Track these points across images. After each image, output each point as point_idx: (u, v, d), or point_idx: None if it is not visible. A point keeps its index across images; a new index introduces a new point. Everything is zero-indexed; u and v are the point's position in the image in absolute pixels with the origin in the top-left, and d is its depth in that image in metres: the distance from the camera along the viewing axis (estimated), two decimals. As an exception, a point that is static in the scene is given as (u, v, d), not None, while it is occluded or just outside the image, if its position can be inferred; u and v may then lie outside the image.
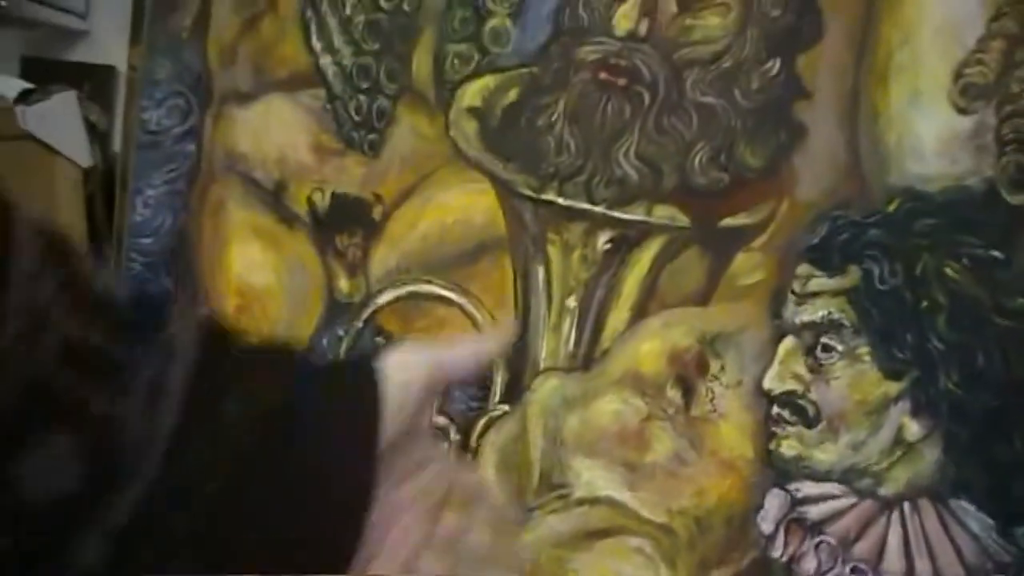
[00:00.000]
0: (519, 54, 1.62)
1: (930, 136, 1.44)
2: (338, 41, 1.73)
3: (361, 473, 0.87)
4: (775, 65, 1.51)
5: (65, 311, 0.74)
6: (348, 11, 1.73)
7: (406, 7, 1.69)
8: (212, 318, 0.94)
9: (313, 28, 1.73)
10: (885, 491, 1.43)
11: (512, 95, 1.62)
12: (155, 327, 0.81)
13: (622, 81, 1.55)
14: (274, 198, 1.75)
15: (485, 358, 1.01)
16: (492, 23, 1.66)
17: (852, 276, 1.42)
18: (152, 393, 0.78)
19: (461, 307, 1.63)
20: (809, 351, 1.45)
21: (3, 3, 3.39)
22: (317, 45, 1.73)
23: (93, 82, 3.29)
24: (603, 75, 1.55)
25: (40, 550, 0.76)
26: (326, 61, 1.73)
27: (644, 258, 1.56)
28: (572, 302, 1.58)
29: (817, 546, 1.47)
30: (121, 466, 0.77)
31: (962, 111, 1.44)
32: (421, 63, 1.68)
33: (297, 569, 0.92)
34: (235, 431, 0.81)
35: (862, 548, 1.46)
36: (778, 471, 1.46)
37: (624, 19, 1.57)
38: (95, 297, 0.77)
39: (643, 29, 1.55)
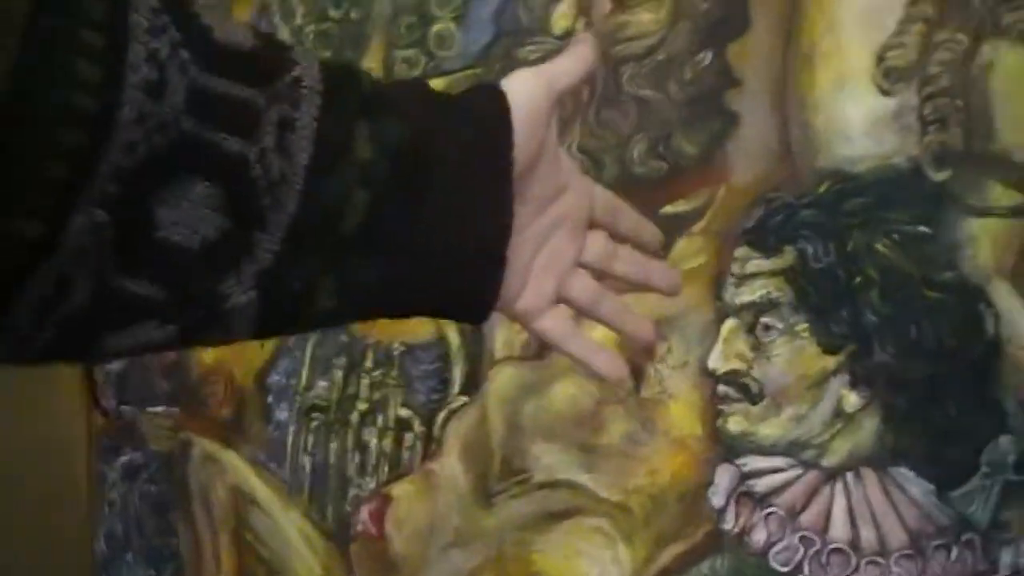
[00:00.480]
0: (464, 57, 1.65)
1: (856, 118, 1.46)
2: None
3: (498, 202, 0.84)
4: (706, 56, 1.53)
5: (188, 59, 0.71)
6: (299, 20, 1.76)
7: (354, 15, 1.72)
8: (335, 60, 0.91)
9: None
10: (828, 462, 1.45)
11: None
12: (280, 68, 0.77)
13: None
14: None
15: (590, 63, 0.98)
16: (437, 27, 1.68)
17: (788, 256, 1.45)
18: (282, 133, 0.75)
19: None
20: (750, 330, 1.47)
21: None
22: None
23: None
24: None
25: (194, 295, 0.75)
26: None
27: (590, 248, 1.60)
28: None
29: (766, 517, 1.49)
30: (259, 207, 0.75)
31: (886, 93, 1.46)
32: (371, 70, 1.72)
33: (437, 314, 0.90)
34: (369, 166, 0.79)
35: (809, 518, 1.48)
36: (726, 447, 1.48)
37: (562, 18, 1.59)
38: (216, 43, 0.74)
39: (580, 27, 1.59)
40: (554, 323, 0.95)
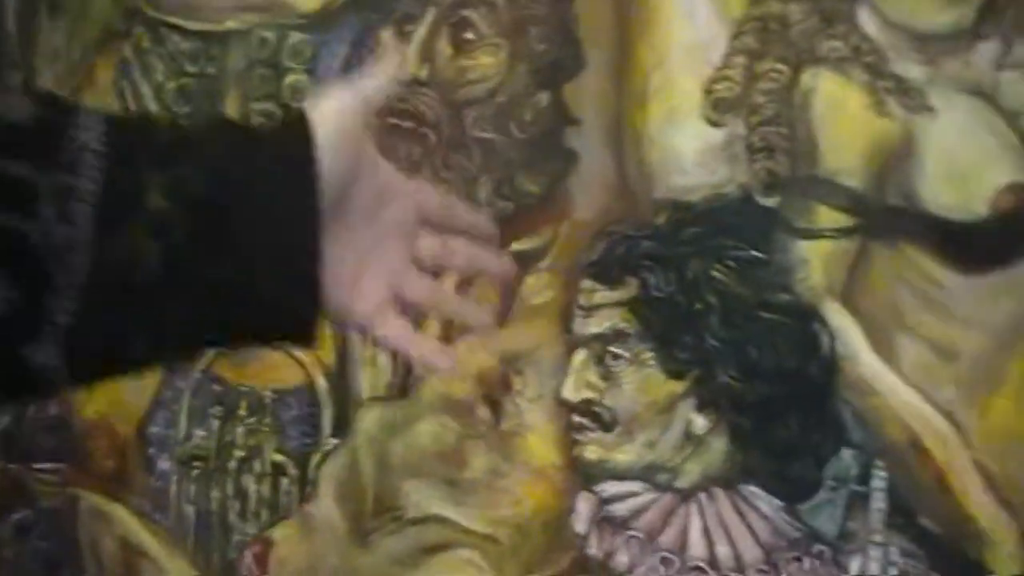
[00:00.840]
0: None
1: (688, 150, 1.49)
2: (152, 107, 1.77)
3: (305, 230, 0.83)
4: (544, 97, 1.56)
5: None
6: (159, 77, 1.77)
7: (210, 70, 1.73)
8: (122, 114, 0.91)
9: (128, 96, 1.76)
10: (681, 484, 1.47)
11: None
12: (59, 137, 0.77)
13: (409, 124, 1.59)
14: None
15: (398, 71, 1.00)
16: (289, 79, 1.69)
17: (631, 287, 1.46)
18: (63, 201, 0.75)
19: (287, 351, 1.67)
20: (599, 360, 1.48)
21: None
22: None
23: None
24: (392, 120, 1.61)
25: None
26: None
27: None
28: (385, 334, 1.64)
29: (628, 541, 1.50)
30: (46, 275, 0.75)
31: (714, 124, 1.48)
32: (229, 122, 1.73)
33: (261, 340, 0.89)
34: (162, 217, 0.78)
35: (667, 539, 1.50)
36: (584, 475, 1.50)
37: (407, 63, 1.62)
38: None
39: (424, 73, 1.61)
40: (391, 329, 0.97)
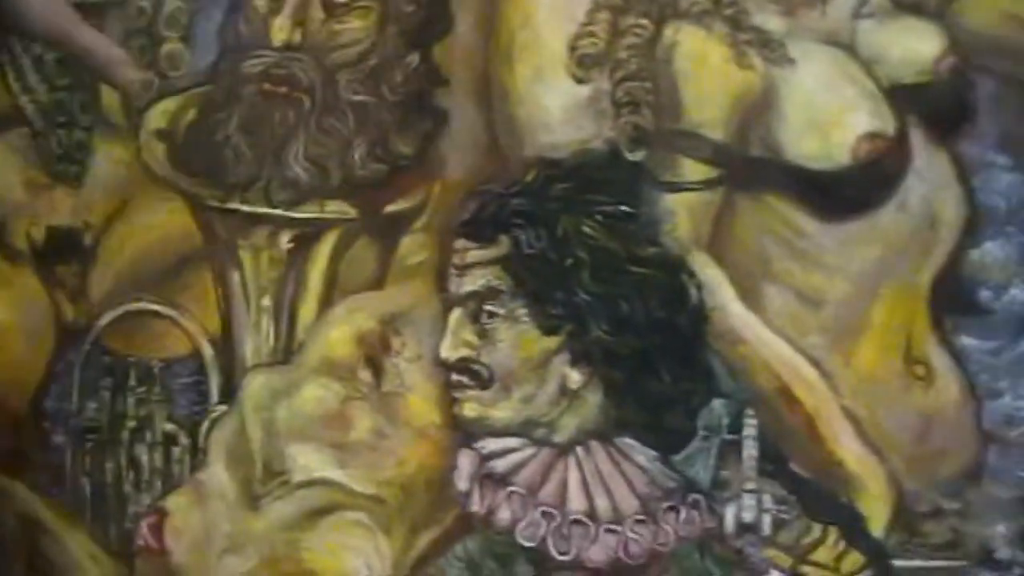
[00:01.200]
0: (193, 74, 1.61)
1: (556, 107, 1.46)
2: (32, 80, 1.73)
3: None
4: (415, 58, 1.54)
5: None
6: (39, 49, 1.74)
7: (89, 41, 1.72)
8: None
9: (9, 70, 1.74)
10: (559, 438, 1.45)
11: (191, 114, 1.60)
12: None
13: (283, 89, 1.55)
14: (-5, 237, 1.77)
15: None
16: (167, 48, 1.66)
17: (503, 245, 1.42)
18: None
19: (173, 319, 1.66)
20: (475, 318, 1.45)
21: None
22: (15, 86, 1.74)
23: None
24: (267, 86, 1.55)
25: None
26: (24, 100, 1.74)
27: (323, 252, 1.56)
28: (267, 301, 1.58)
29: (509, 496, 1.49)
30: None
31: (580, 81, 1.46)
32: (109, 93, 1.69)
33: None
34: None
35: (547, 493, 1.48)
36: (464, 433, 1.47)
37: (279, 30, 1.57)
38: None
39: (297, 37, 1.57)
40: None
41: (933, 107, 1.42)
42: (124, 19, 1.64)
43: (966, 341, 1.44)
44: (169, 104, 1.62)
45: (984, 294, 1.45)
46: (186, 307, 1.62)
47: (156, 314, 1.64)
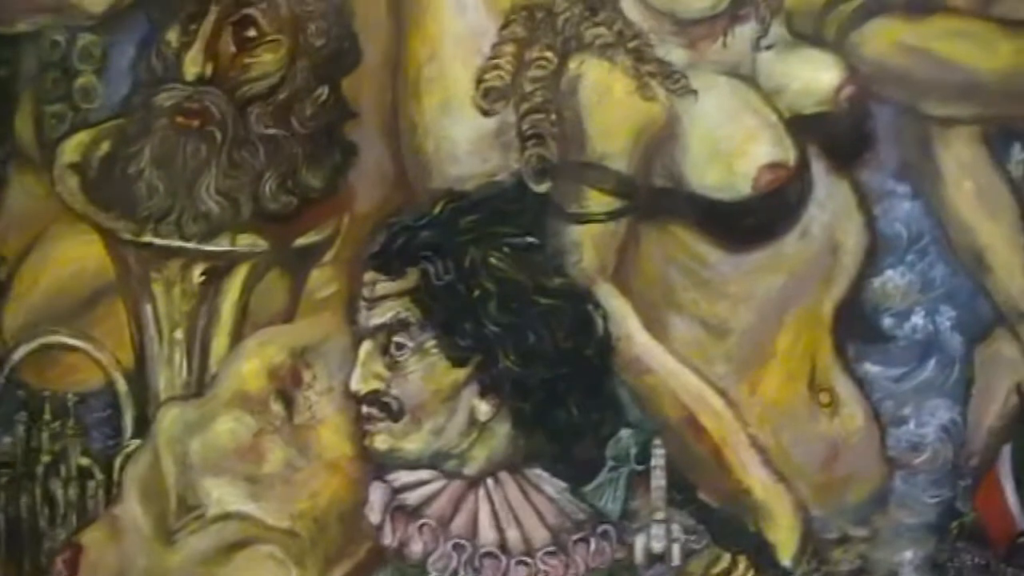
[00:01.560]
0: (107, 108, 1.58)
1: (462, 140, 1.45)
2: (-54, 112, 1.73)
3: None
4: (324, 91, 1.51)
5: None
6: (-46, 82, 1.73)
7: (2, 72, 1.70)
8: None
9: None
10: (469, 470, 1.43)
11: (105, 147, 1.57)
12: None
13: (195, 123, 1.53)
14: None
15: None
16: (80, 81, 1.64)
17: (412, 277, 1.40)
18: None
19: (87, 352, 1.64)
20: (385, 351, 1.43)
21: None
22: (-74, 119, 1.74)
23: None
24: (179, 119, 1.53)
25: None
26: (-66, 133, 1.73)
27: (234, 285, 1.53)
28: (179, 334, 1.56)
29: (420, 529, 1.48)
30: None
31: (486, 113, 1.44)
32: (23, 126, 1.67)
33: None
34: None
35: (459, 525, 1.46)
36: (376, 465, 1.45)
37: (191, 64, 1.54)
38: None
39: (209, 71, 1.55)
40: None
41: (833, 136, 1.42)
42: (38, 52, 1.62)
43: (870, 368, 1.44)
44: (83, 137, 1.59)
45: (887, 321, 1.46)
46: (100, 340, 1.59)
47: (70, 347, 1.60)
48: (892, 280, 1.43)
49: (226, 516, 1.55)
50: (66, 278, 1.62)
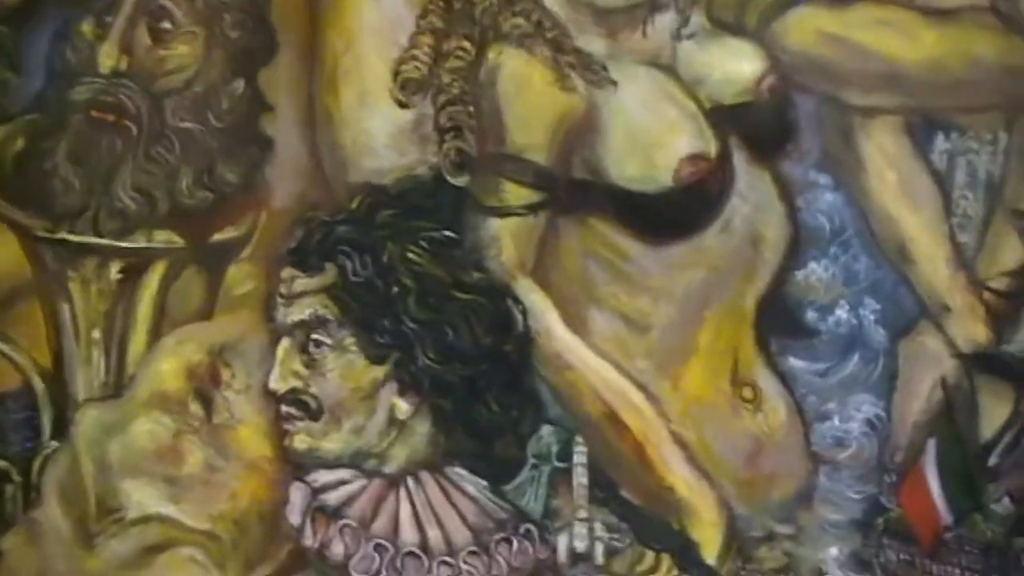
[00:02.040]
0: (22, 101, 1.53)
1: (380, 132, 1.40)
2: None
3: None
4: (240, 84, 1.45)
5: None
6: None
7: (-87, 66, 1.65)
8: None
9: None
10: (389, 469, 1.38)
11: (19, 142, 1.51)
12: None
13: (111, 117, 1.48)
14: None
15: None
16: (-6, 75, 1.63)
17: (330, 273, 1.35)
18: None
19: (3, 353, 1.57)
20: (303, 349, 1.37)
21: None
22: None
23: None
24: (94, 113, 1.48)
25: None
26: None
27: (151, 282, 1.47)
28: (97, 334, 1.50)
29: (341, 530, 1.43)
30: None
31: (403, 105, 1.39)
32: (-62, 124, 1.65)
33: None
34: None
35: (380, 526, 1.41)
36: (295, 465, 1.40)
37: (107, 57, 1.49)
38: None
39: (124, 64, 1.50)
40: None
41: (755, 127, 1.37)
42: (-49, 46, 1.59)
43: (793, 363, 1.40)
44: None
45: (810, 315, 1.42)
46: (17, 340, 1.54)
47: (-13, 350, 1.59)
48: (815, 273, 1.39)
49: (146, 519, 1.50)
50: (-18, 277, 1.59)
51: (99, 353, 1.51)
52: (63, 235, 1.50)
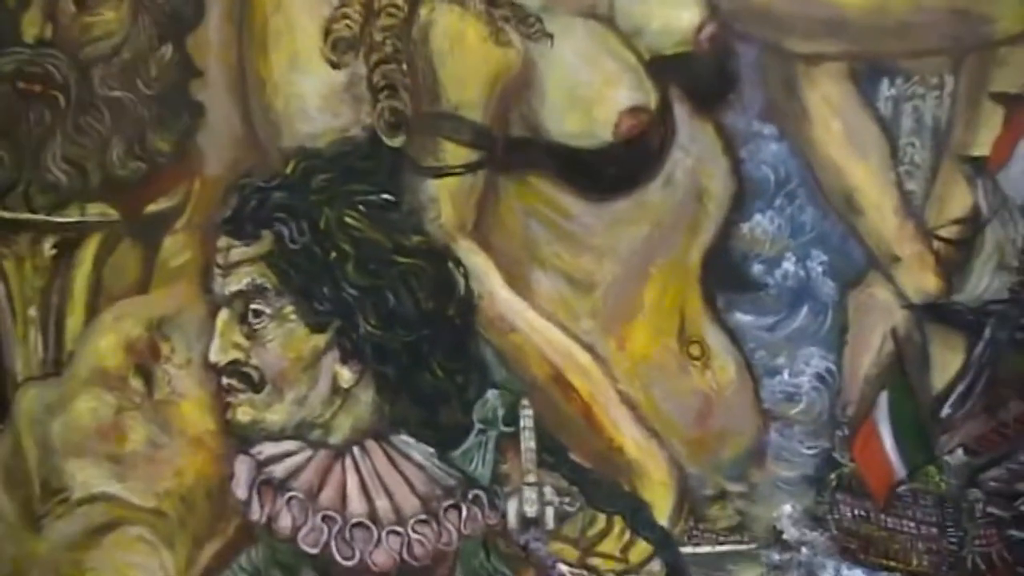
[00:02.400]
0: None
1: (312, 94, 1.35)
2: None
3: None
4: (168, 50, 1.40)
5: None
6: None
7: None
8: None
9: None
10: (334, 439, 1.34)
11: None
12: None
13: (38, 88, 1.43)
14: None
15: None
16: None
17: (266, 241, 1.30)
18: None
19: (-59, 334, 1.56)
20: (243, 319, 1.32)
21: None
22: None
23: None
24: (21, 84, 1.44)
25: None
26: None
27: (86, 257, 1.42)
28: (33, 311, 1.45)
29: (288, 502, 1.38)
30: None
31: (336, 66, 1.34)
32: None
33: None
34: None
35: (327, 497, 1.36)
36: (240, 438, 1.35)
37: (31, 25, 1.43)
38: None
39: (49, 33, 1.46)
40: None
41: (695, 78, 1.32)
42: None
43: (740, 318, 1.36)
44: (-81, 106, 1.52)
45: (756, 268, 1.38)
46: (-48, 323, 1.53)
47: (-81, 331, 1.54)
48: (760, 225, 1.35)
49: (92, 499, 1.45)
50: (-86, 257, 1.55)
51: (36, 331, 1.46)
52: (-6, 211, 1.47)
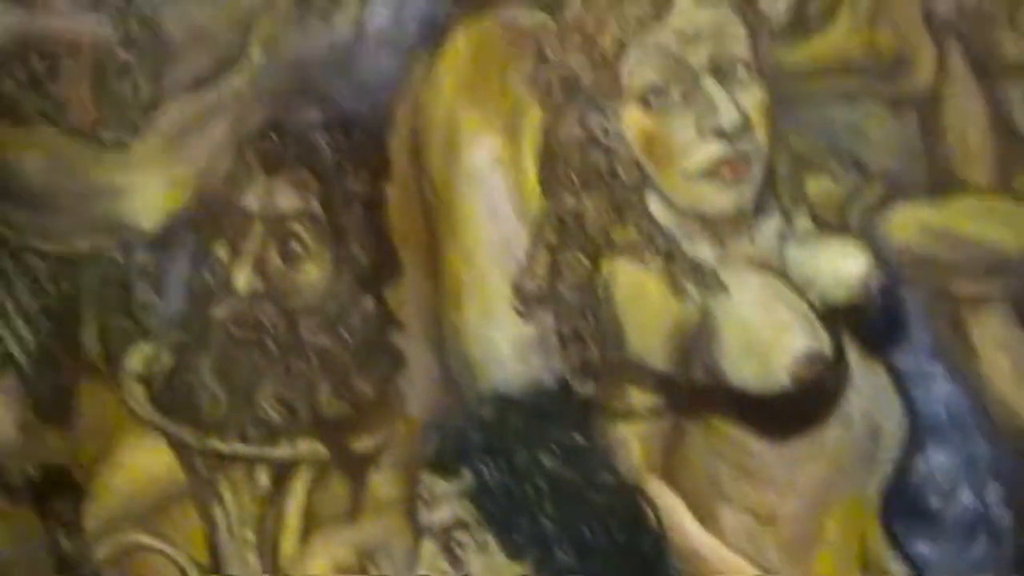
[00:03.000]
0: (166, 320, 1.62)
1: (504, 343, 1.44)
2: (19, 327, 1.76)
3: None
4: (369, 301, 1.52)
5: None
6: (24, 297, 1.76)
7: (67, 288, 1.73)
8: None
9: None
10: None
11: (166, 358, 1.59)
12: None
13: (251, 335, 1.59)
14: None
15: None
16: (139, 296, 1.69)
17: (466, 478, 1.40)
18: None
19: (165, 553, 1.67)
20: (446, 549, 1.47)
21: None
22: (3, 332, 1.78)
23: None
24: (235, 331, 1.57)
25: None
26: (13, 346, 1.77)
27: (298, 488, 1.52)
28: (250, 535, 1.59)
29: None
30: None
31: (525, 318, 1.48)
32: (90, 340, 1.69)
33: None
34: None
35: None
36: None
37: (242, 278, 1.60)
38: None
39: (259, 285, 1.57)
40: None
41: (866, 324, 1.38)
42: (99, 270, 1.65)
43: (921, 549, 1.44)
44: (145, 349, 1.63)
45: (934, 501, 1.45)
46: (175, 540, 1.63)
47: (149, 548, 1.66)
48: (936, 460, 1.42)
49: None
50: (139, 482, 1.63)
51: (253, 553, 1.58)
52: (213, 444, 1.58)
